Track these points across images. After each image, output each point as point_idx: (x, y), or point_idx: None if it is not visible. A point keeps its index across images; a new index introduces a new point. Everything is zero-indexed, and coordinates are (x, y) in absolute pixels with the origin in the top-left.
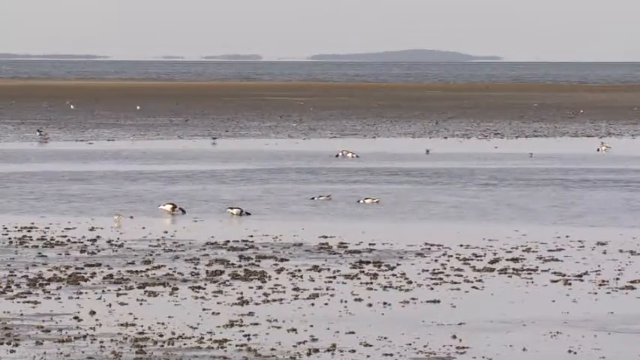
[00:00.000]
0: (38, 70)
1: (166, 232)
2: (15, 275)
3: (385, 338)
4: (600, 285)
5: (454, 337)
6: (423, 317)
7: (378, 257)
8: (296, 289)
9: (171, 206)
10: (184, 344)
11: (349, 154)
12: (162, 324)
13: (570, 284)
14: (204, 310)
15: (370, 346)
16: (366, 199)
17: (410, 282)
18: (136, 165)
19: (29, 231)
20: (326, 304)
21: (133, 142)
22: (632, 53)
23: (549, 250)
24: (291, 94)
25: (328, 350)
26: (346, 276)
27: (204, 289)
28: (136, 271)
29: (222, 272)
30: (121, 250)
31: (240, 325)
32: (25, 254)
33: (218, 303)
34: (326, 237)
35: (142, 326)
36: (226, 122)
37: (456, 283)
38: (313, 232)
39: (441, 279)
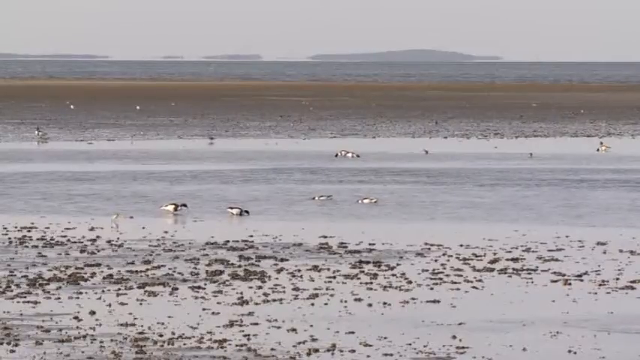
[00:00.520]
0: (38, 70)
1: (166, 232)
2: (15, 275)
3: (385, 338)
4: (600, 285)
5: (454, 337)
6: (423, 317)
7: (378, 257)
8: (296, 289)
9: (173, 206)
10: (184, 344)
11: (349, 154)
12: (162, 324)
13: (570, 284)
14: (204, 310)
15: (370, 346)
16: (364, 199)
17: (410, 282)
18: (140, 165)
19: (29, 231)
20: (326, 304)
21: (133, 142)
22: (632, 53)
23: (549, 250)
24: (291, 94)
25: (328, 350)
26: (346, 276)
27: (204, 289)
28: (136, 271)
29: (222, 272)
30: (121, 250)
31: (240, 325)
32: (25, 254)
33: (218, 303)
34: (326, 237)
35: (141, 326)
36: (226, 122)
37: (455, 283)
38: (313, 232)
39: (440, 279)
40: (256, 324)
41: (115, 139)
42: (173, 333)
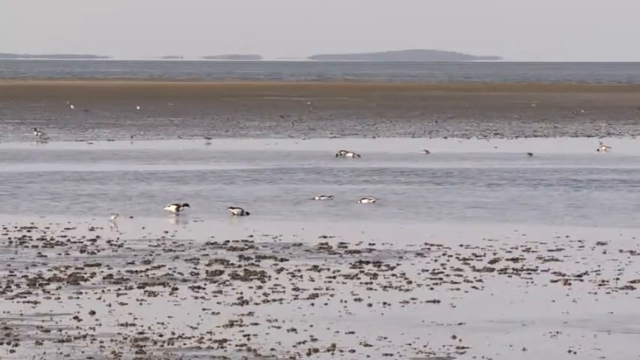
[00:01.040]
0: (38, 70)
1: (166, 232)
2: (15, 275)
3: (385, 338)
4: (600, 285)
5: (454, 337)
6: (423, 317)
7: (378, 257)
8: (296, 289)
9: (175, 207)
10: (184, 344)
11: (349, 154)
12: (162, 324)
13: (570, 284)
14: (204, 310)
15: (370, 346)
16: (364, 199)
17: (410, 282)
18: (144, 165)
19: (29, 231)
20: (326, 304)
21: (133, 142)
22: (632, 53)
23: (549, 250)
24: (291, 94)
25: (328, 350)
26: (346, 276)
27: (204, 289)
28: (136, 271)
29: (222, 272)
30: (121, 250)
31: (240, 325)
32: (25, 254)
33: (218, 303)
34: (326, 237)
35: (141, 326)
36: (226, 122)
37: (455, 283)
38: (313, 232)
39: (440, 279)
40: (256, 324)
41: (115, 139)
42: (173, 333)
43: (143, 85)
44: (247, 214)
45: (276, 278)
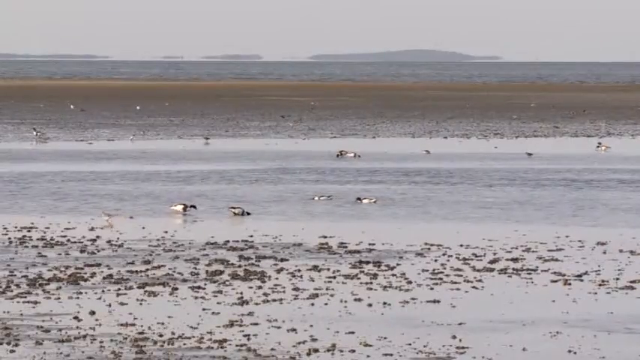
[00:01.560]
0: (38, 70)
1: (166, 232)
2: (15, 275)
3: (385, 338)
4: (600, 285)
5: (454, 337)
6: (423, 317)
7: (378, 257)
8: (296, 289)
9: (182, 207)
10: (184, 344)
11: (350, 154)
12: (162, 324)
13: (570, 284)
14: (204, 310)
15: (370, 346)
16: (364, 199)
17: (410, 282)
18: (149, 165)
19: (29, 231)
20: (326, 304)
21: (133, 142)
22: (632, 53)
23: (549, 250)
24: (291, 94)
25: (328, 350)
26: (346, 276)
27: (204, 289)
28: (136, 271)
29: (222, 272)
30: (121, 250)
31: (240, 325)
32: (25, 254)
33: (218, 303)
34: (326, 237)
35: (141, 326)
36: (226, 122)
37: (455, 283)
38: (313, 232)
39: (440, 279)
40: (256, 324)
41: (114, 139)
42: (173, 333)
43: (143, 85)
44: (248, 214)
45: (276, 278)
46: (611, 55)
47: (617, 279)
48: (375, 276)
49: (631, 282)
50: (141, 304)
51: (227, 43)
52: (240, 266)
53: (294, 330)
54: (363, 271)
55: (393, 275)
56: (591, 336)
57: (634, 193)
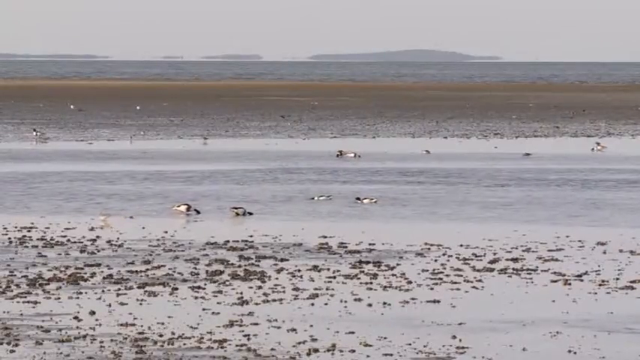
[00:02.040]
0: (38, 70)
1: (166, 232)
2: (15, 275)
3: (385, 338)
4: (600, 285)
5: (454, 337)
6: (423, 317)
7: (378, 257)
8: (296, 289)
9: (185, 207)
10: (184, 344)
11: (350, 154)
12: (162, 324)
13: (570, 284)
14: (204, 310)
15: (370, 346)
16: (364, 199)
17: (410, 282)
18: (155, 165)
19: (29, 231)
20: (326, 304)
21: (132, 143)
22: (632, 53)
23: (549, 250)
24: (291, 94)
25: (328, 350)
26: (346, 276)
27: (204, 289)
28: (136, 271)
29: (222, 272)
30: (121, 250)
31: (240, 325)
32: (25, 254)
33: (218, 303)
34: (326, 237)
35: (141, 326)
36: (226, 122)
37: (455, 283)
38: (313, 232)
39: (440, 279)
40: (256, 324)
41: (114, 139)
42: (173, 333)
43: (143, 85)
44: (250, 214)
45: (276, 278)
46: (611, 55)
47: (617, 279)
48: (375, 276)
49: (631, 282)
50: (141, 304)
51: (227, 43)
52: (240, 266)
53: (294, 330)
54: (363, 271)
55: (393, 275)
56: (591, 336)
57: (633, 192)
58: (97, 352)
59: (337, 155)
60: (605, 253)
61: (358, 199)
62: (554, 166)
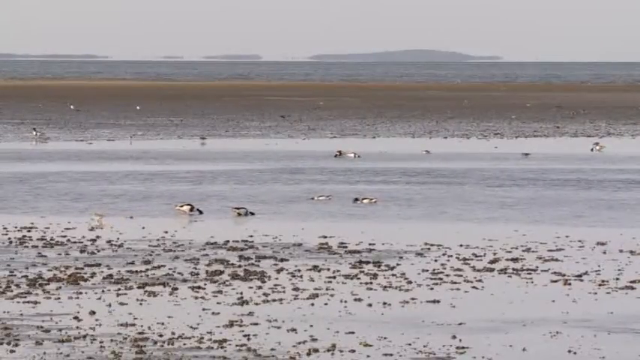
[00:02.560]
0: (38, 70)
1: (166, 232)
2: (15, 275)
3: (385, 338)
4: (600, 285)
5: (454, 337)
6: (423, 317)
7: (378, 257)
8: (296, 289)
9: (189, 207)
10: (184, 344)
11: (350, 154)
12: (162, 324)
13: (570, 284)
14: (204, 310)
15: (370, 346)
16: (364, 199)
17: (410, 282)
18: (144, 166)
19: (29, 231)
20: (326, 304)
21: (131, 143)
22: (632, 53)
23: (549, 250)
24: (291, 94)
25: (328, 350)
26: (346, 276)
27: (204, 289)
28: (136, 271)
29: (222, 272)
30: (121, 250)
31: (240, 325)
32: (25, 254)
33: (218, 303)
34: (326, 237)
35: (141, 326)
36: (226, 122)
37: (455, 283)
38: (313, 232)
39: (440, 279)
40: (256, 324)
41: (114, 139)
42: (173, 333)
43: (143, 85)
44: (252, 214)
45: (276, 278)
46: (611, 55)
47: (617, 279)
48: (375, 276)
49: (631, 282)
50: (141, 304)
51: (227, 43)
52: (240, 266)
53: (294, 330)
54: (363, 271)
55: (393, 275)
56: (591, 336)
57: (633, 192)
58: (97, 352)
59: (335, 155)
60: (605, 253)
61: (357, 199)
62: (554, 166)
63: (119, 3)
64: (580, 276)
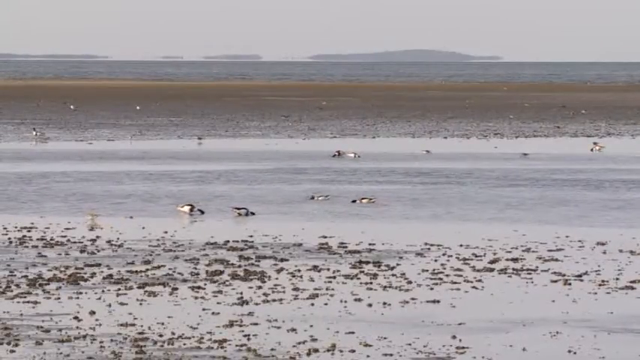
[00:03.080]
0: (38, 70)
1: (166, 232)
2: (15, 275)
3: (385, 338)
4: (600, 285)
5: (454, 337)
6: (423, 317)
7: (378, 257)
8: (296, 289)
9: (189, 207)
10: (184, 344)
11: (350, 154)
12: (162, 324)
13: (570, 284)
14: (204, 310)
15: (370, 346)
16: (363, 198)
17: (410, 282)
18: (143, 166)
19: (29, 231)
20: (326, 304)
21: (131, 143)
22: (632, 53)
23: (549, 250)
24: (291, 94)
25: (328, 350)
26: (346, 276)
27: (204, 289)
28: (136, 271)
29: (222, 272)
30: (121, 250)
31: (240, 325)
32: (25, 254)
33: (218, 303)
34: (326, 237)
35: (141, 326)
36: (226, 122)
37: (455, 283)
38: (313, 232)
39: (440, 279)
40: (256, 324)
41: (115, 139)
42: (173, 333)
43: (143, 85)
44: (252, 214)
45: (276, 278)
46: (611, 55)
47: (617, 279)
48: (375, 276)
49: (631, 282)
50: (141, 304)
51: (227, 43)
52: (240, 266)
53: (294, 330)
54: (363, 271)
55: (393, 275)
56: (591, 336)
57: (633, 192)
58: (97, 352)
59: (334, 155)
60: (605, 253)
61: (354, 201)
62: (554, 166)
63: (119, 3)
64: (580, 276)
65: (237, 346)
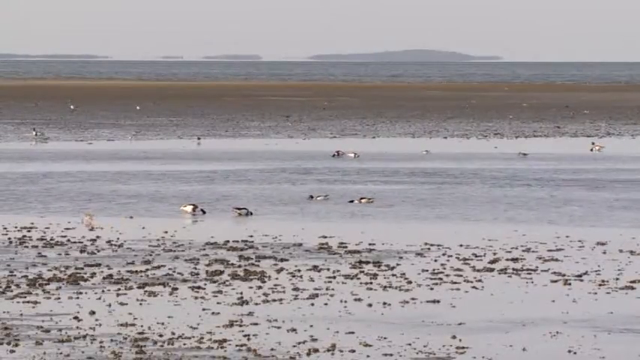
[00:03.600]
0: (38, 70)
1: (166, 232)
2: (15, 275)
3: (385, 338)
4: (600, 285)
5: (454, 337)
6: (423, 317)
7: (378, 257)
8: (296, 289)
9: (192, 207)
10: (184, 344)
11: (349, 154)
12: (162, 324)
13: (570, 284)
14: (204, 310)
15: (370, 346)
16: (362, 198)
17: (410, 282)
18: (144, 166)
19: (29, 231)
20: (326, 304)
21: (131, 143)
22: (632, 53)
23: (549, 250)
24: (291, 94)
25: (328, 350)
26: (346, 276)
27: (204, 289)
28: (136, 271)
29: (222, 272)
30: (121, 250)
31: (240, 325)
32: (25, 254)
33: (218, 303)
34: (326, 237)
35: (141, 326)
36: (226, 122)
37: (455, 283)
38: (313, 232)
39: (440, 279)
40: (256, 324)
41: (114, 139)
42: (173, 333)
43: (143, 85)
44: (251, 214)
45: (276, 278)
46: (611, 55)
47: (617, 279)
48: (375, 276)
49: (631, 282)
50: (141, 304)
51: (227, 43)
52: (240, 266)
53: (294, 330)
54: (363, 271)
55: (393, 275)
56: (591, 336)
57: (633, 192)
58: (97, 352)
59: (333, 155)
60: (605, 253)
61: (352, 201)
62: (554, 167)
63: (119, 3)
64: (580, 276)
65: (237, 346)
